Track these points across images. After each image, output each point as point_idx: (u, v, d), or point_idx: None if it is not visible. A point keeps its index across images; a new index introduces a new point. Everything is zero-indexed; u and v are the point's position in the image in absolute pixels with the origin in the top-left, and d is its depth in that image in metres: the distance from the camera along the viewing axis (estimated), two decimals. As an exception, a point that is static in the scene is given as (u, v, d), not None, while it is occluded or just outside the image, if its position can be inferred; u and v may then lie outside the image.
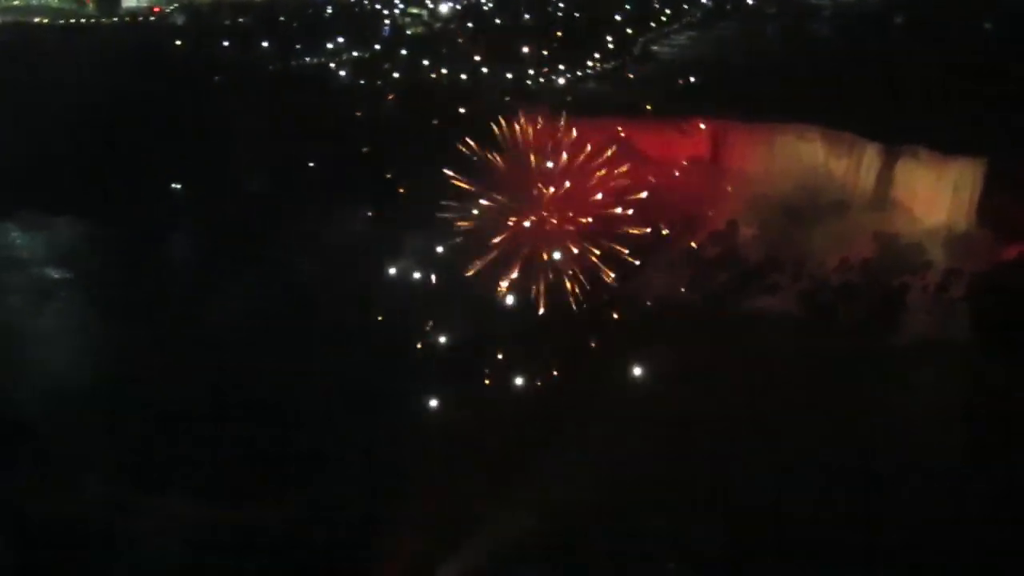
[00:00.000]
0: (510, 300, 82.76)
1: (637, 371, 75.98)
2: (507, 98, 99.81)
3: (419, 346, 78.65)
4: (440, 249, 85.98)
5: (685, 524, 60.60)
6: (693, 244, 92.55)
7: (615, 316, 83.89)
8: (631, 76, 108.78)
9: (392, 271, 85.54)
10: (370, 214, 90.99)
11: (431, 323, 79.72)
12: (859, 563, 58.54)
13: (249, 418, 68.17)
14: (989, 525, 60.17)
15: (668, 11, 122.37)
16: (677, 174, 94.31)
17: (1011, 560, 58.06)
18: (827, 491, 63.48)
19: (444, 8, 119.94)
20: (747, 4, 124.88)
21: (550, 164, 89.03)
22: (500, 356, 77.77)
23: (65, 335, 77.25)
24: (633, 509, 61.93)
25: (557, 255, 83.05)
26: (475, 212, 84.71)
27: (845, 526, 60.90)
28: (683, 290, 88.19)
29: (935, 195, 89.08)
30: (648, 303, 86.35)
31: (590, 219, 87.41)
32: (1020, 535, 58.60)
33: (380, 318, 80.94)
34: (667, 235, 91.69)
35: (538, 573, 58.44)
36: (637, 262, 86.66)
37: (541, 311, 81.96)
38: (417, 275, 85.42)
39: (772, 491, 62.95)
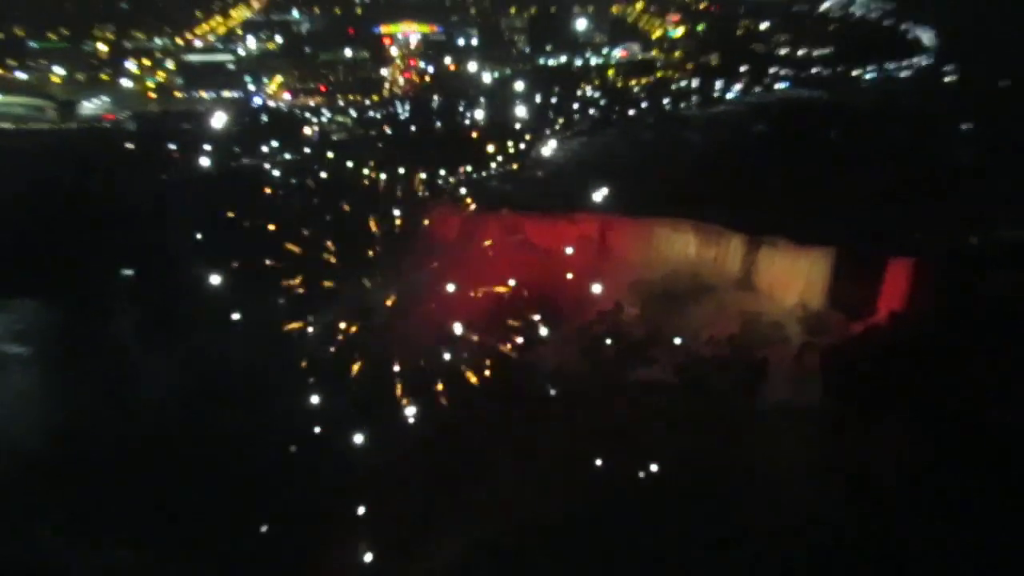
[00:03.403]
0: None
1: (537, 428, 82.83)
2: (421, 194, 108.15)
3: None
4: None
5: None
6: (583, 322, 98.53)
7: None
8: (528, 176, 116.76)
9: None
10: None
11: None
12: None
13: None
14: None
15: (561, 120, 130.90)
16: (569, 262, 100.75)
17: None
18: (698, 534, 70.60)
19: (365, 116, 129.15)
20: (628, 115, 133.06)
21: (458, 250, 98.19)
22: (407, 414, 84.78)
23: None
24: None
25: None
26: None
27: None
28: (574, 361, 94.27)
29: (792, 279, 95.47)
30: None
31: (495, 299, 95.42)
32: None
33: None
34: (560, 314, 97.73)
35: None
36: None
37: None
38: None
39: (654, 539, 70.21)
